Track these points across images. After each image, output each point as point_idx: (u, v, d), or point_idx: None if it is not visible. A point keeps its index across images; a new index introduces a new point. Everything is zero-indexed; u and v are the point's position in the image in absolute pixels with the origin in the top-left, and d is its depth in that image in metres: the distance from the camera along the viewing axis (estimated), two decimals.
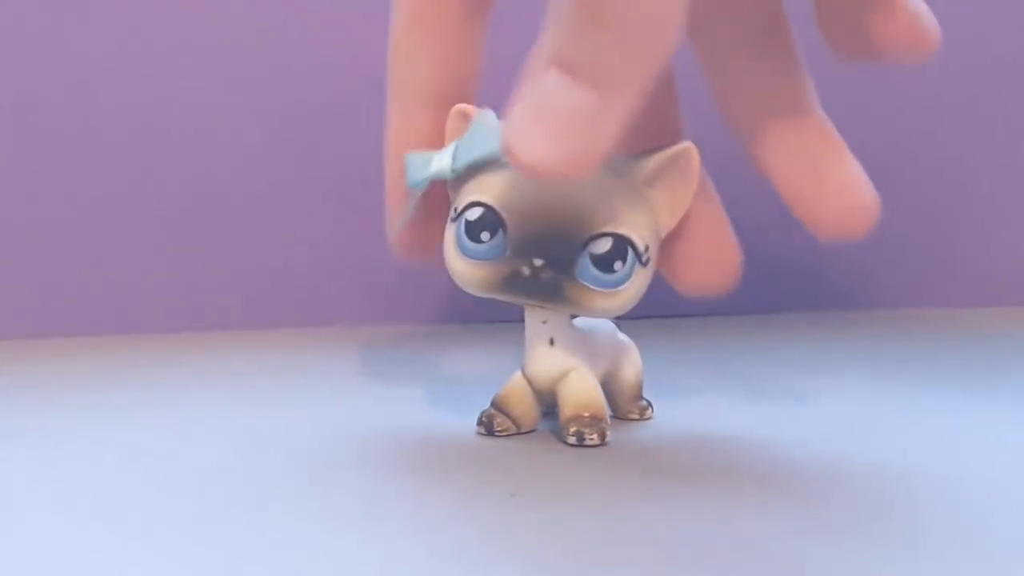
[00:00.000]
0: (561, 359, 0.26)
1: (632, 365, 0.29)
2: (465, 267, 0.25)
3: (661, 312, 0.52)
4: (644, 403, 0.29)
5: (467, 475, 0.24)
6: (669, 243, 0.25)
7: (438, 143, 0.26)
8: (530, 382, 0.27)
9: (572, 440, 0.26)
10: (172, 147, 0.47)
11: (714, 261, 0.25)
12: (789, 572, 0.18)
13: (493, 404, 0.27)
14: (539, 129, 0.20)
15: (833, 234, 0.24)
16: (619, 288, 0.24)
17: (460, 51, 0.26)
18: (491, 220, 0.24)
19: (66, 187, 0.47)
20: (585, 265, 0.24)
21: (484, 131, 0.24)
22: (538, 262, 0.24)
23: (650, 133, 0.25)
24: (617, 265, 0.24)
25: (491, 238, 0.24)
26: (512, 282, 0.24)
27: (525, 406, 0.27)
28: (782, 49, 0.25)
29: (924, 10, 0.24)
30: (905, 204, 0.52)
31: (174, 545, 0.19)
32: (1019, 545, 0.19)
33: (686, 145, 0.24)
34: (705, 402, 0.32)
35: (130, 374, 0.38)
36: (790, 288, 0.51)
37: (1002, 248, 0.53)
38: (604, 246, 0.24)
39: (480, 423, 0.27)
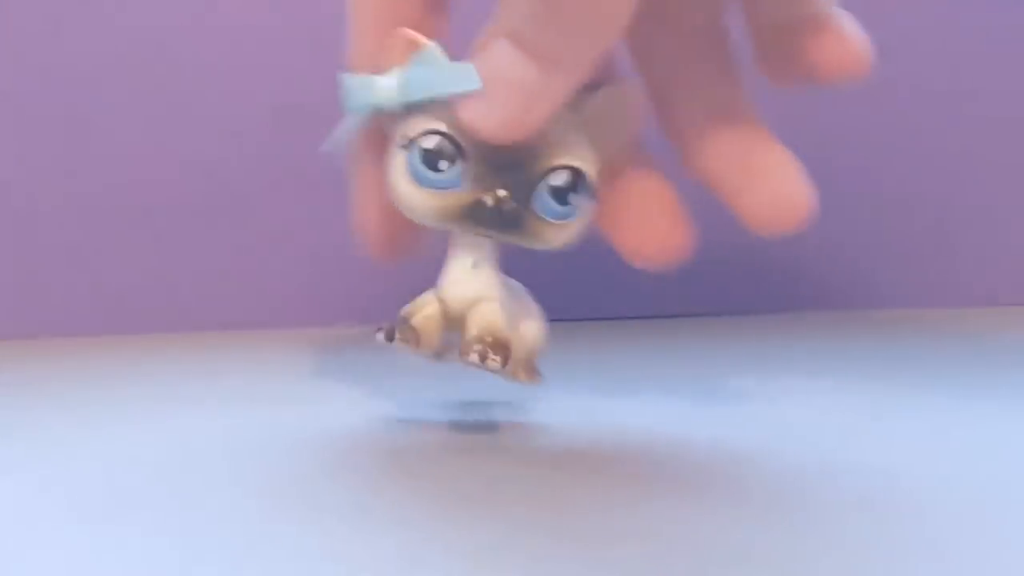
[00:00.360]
0: (479, 285, 0.26)
1: (533, 325, 0.28)
2: (420, 196, 0.24)
3: (661, 312, 0.52)
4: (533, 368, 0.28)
5: (468, 474, 0.24)
6: (617, 214, 0.26)
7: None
8: (443, 302, 0.26)
9: (474, 359, 0.25)
10: (172, 147, 0.47)
11: (662, 230, 0.26)
12: (794, 570, 0.18)
13: (399, 318, 0.26)
14: (484, 93, 0.23)
15: (769, 228, 0.25)
16: (571, 220, 0.24)
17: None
18: (449, 149, 0.24)
19: (66, 187, 0.47)
20: (543, 197, 0.24)
21: (441, 69, 0.24)
22: (502, 193, 0.24)
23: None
24: (572, 197, 0.24)
25: (449, 167, 0.24)
26: (474, 212, 0.24)
27: (431, 325, 0.26)
28: (718, 48, 0.26)
29: (856, 31, 0.25)
30: (905, 204, 0.52)
31: (172, 543, 0.19)
32: (1019, 545, 0.19)
33: (627, 82, 0.25)
34: (704, 402, 0.32)
35: (130, 374, 0.38)
36: (790, 288, 0.51)
37: (1002, 248, 0.53)
38: (562, 178, 0.24)
39: (380, 329, 0.26)
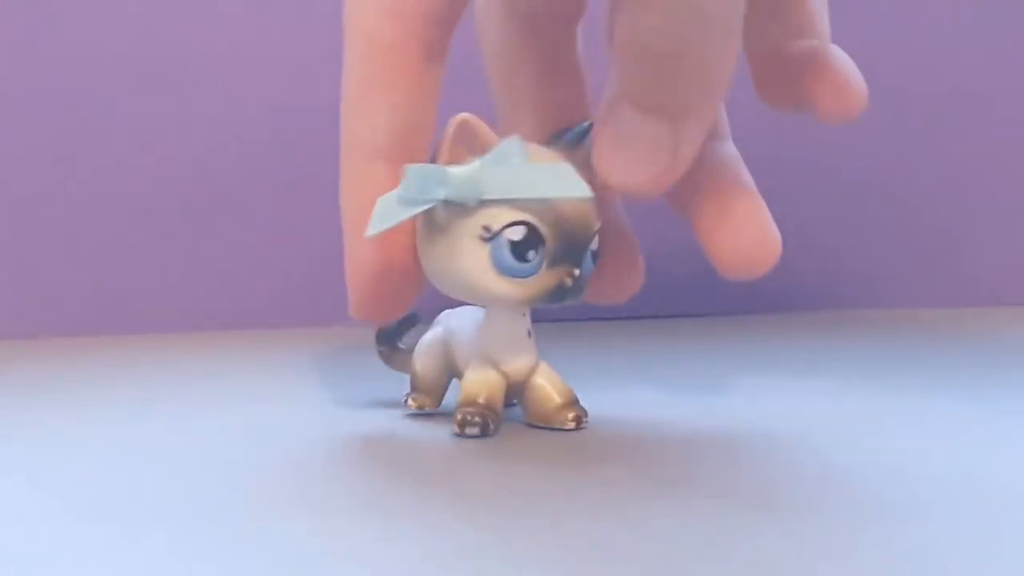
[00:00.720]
0: (534, 350, 0.27)
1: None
2: (505, 287, 0.25)
3: (661, 312, 0.52)
4: None
5: (470, 473, 0.24)
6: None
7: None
8: (507, 376, 0.27)
9: (571, 425, 0.27)
10: (172, 147, 0.47)
11: (623, 276, 0.27)
12: (794, 570, 0.18)
13: (471, 403, 0.26)
14: (623, 156, 0.24)
15: (737, 271, 0.25)
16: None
17: (418, 102, 0.26)
18: (534, 238, 0.24)
19: (66, 187, 0.47)
20: (587, 259, 0.25)
21: (546, 169, 0.24)
22: (577, 271, 0.25)
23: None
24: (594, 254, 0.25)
25: (534, 256, 0.24)
26: (558, 292, 0.25)
27: (499, 401, 0.27)
28: None
29: (853, 71, 0.25)
30: (905, 204, 0.52)
31: (171, 544, 0.19)
32: (1019, 545, 0.19)
33: (590, 121, 0.25)
34: (703, 401, 0.32)
35: (130, 374, 0.38)
36: (790, 288, 0.51)
37: (1003, 248, 0.53)
38: (596, 241, 0.25)
39: (471, 424, 0.26)
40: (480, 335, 0.27)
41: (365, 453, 0.26)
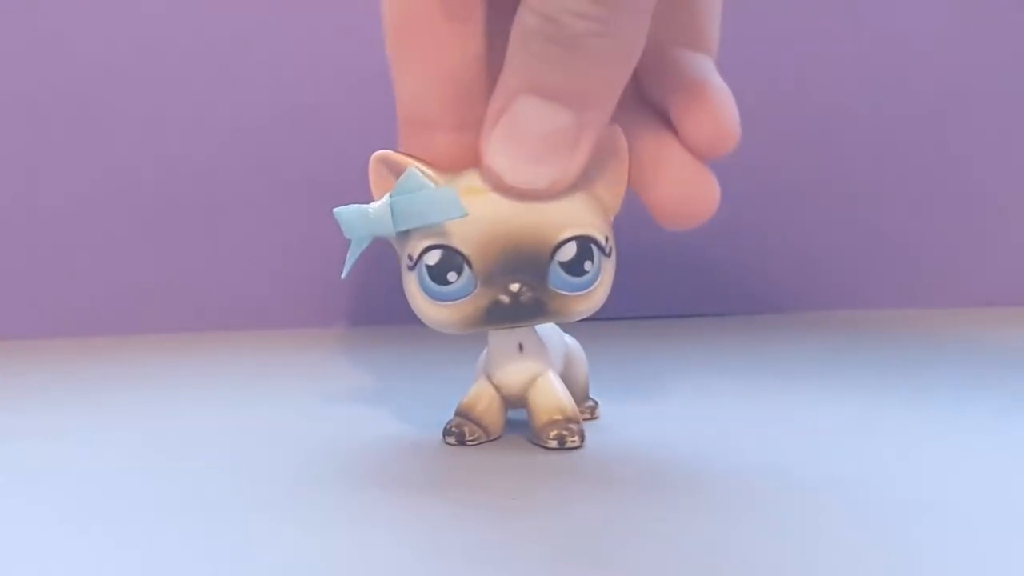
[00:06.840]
0: (530, 364, 0.26)
1: (581, 365, 0.29)
2: (439, 311, 0.24)
3: (662, 312, 0.52)
4: (592, 403, 0.29)
5: (469, 473, 0.24)
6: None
7: (457, 162, 0.24)
8: (498, 389, 0.26)
9: (553, 444, 0.26)
10: (172, 147, 0.47)
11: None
12: (792, 571, 0.18)
13: (459, 413, 0.27)
14: (522, 152, 0.23)
15: (675, 222, 0.25)
16: (594, 286, 0.24)
17: (446, 65, 0.24)
18: (453, 259, 0.24)
19: (66, 187, 0.47)
20: (557, 274, 0.24)
21: (426, 197, 0.24)
22: (515, 287, 0.24)
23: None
24: (587, 265, 0.24)
25: (458, 277, 0.24)
26: (494, 312, 0.24)
27: (493, 413, 0.27)
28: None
29: (728, 104, 0.24)
30: (905, 204, 0.52)
31: (171, 545, 0.19)
32: (1015, 546, 0.19)
33: (610, 128, 0.24)
34: (702, 403, 0.32)
35: (130, 374, 0.38)
36: (790, 288, 0.51)
37: (1002, 248, 0.53)
38: (570, 251, 0.24)
39: (449, 433, 0.26)
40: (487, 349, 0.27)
41: (364, 456, 0.26)
